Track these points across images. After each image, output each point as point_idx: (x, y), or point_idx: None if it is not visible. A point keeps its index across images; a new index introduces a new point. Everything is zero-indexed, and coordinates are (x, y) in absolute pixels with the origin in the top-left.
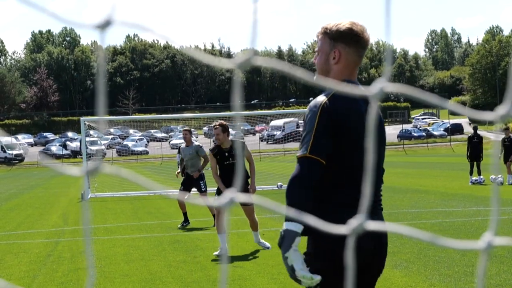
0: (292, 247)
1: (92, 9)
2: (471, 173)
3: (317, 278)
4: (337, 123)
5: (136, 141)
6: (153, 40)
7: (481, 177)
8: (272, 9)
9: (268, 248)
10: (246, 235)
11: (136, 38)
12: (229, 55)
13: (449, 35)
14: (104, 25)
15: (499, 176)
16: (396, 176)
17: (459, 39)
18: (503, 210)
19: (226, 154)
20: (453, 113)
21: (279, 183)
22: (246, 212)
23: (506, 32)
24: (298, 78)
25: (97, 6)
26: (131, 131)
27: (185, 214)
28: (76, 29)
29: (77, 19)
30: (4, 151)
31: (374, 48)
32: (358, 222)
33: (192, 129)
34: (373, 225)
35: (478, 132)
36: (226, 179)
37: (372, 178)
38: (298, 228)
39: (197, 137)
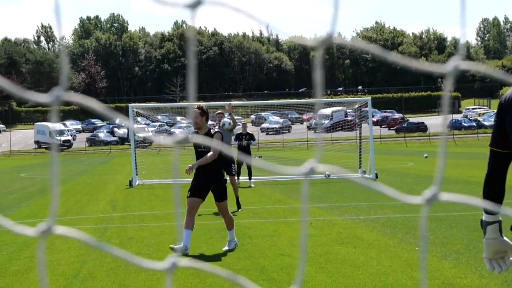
0: (484, 237)
1: None
2: None
3: (497, 270)
4: (506, 116)
5: (184, 128)
6: (201, 27)
7: None
8: None
9: (233, 249)
10: (293, 224)
11: (184, 25)
12: (277, 43)
13: (501, 23)
14: (195, 5)
15: None
16: (446, 167)
17: None
18: None
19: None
20: None
21: (326, 173)
22: (219, 208)
23: None
24: (383, 58)
25: None
26: (178, 118)
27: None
28: (175, 9)
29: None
30: (53, 137)
31: (424, 37)
32: (432, 193)
33: (238, 117)
34: (446, 196)
35: None
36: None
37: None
38: (488, 218)
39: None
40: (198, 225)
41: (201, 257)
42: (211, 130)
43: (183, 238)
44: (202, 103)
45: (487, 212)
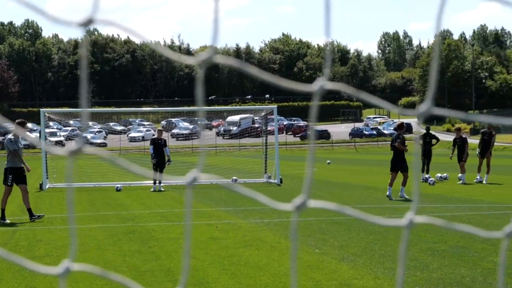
0: None
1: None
2: (422, 170)
3: None
4: None
5: (95, 133)
6: (114, 35)
7: (429, 175)
8: (231, 7)
9: None
10: (200, 227)
11: (96, 32)
12: (188, 51)
13: (401, 37)
14: (87, 23)
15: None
16: (346, 173)
17: (410, 42)
18: (445, 207)
19: None
20: (403, 114)
21: (233, 178)
22: None
23: (455, 36)
24: (255, 76)
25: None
26: (90, 123)
27: (3, 211)
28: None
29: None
30: None
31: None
32: (301, 201)
33: (149, 123)
34: (314, 203)
35: (431, 132)
36: None
37: None
38: None
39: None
40: (106, 228)
41: (109, 259)
42: None
43: None
44: None
45: None
